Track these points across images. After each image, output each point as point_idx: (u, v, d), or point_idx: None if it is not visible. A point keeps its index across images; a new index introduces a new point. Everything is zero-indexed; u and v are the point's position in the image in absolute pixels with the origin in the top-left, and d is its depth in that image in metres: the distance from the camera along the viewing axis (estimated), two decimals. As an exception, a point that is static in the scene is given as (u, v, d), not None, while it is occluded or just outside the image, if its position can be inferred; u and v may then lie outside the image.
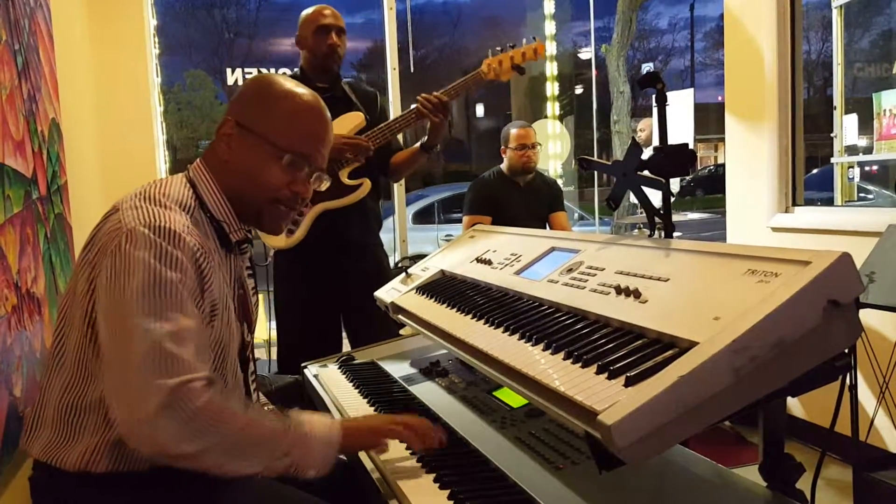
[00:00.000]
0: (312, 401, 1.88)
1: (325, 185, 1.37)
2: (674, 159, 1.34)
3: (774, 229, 3.36)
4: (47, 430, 1.24)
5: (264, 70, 5.35)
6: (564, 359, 1.07)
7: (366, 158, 2.57)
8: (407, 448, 1.34)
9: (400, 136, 2.77)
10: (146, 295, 1.12)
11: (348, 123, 2.60)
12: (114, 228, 1.19)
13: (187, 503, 1.25)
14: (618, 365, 0.97)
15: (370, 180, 2.62)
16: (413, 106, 2.56)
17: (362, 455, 1.33)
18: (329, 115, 1.37)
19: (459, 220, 3.82)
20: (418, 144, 2.71)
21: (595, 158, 1.58)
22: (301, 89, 1.33)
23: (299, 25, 2.67)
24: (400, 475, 1.25)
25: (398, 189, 4.44)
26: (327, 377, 1.92)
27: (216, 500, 1.27)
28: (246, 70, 5.48)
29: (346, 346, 2.80)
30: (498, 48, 2.61)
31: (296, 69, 2.79)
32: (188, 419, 1.07)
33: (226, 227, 1.31)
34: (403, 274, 2.01)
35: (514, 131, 3.64)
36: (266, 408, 1.41)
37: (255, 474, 1.18)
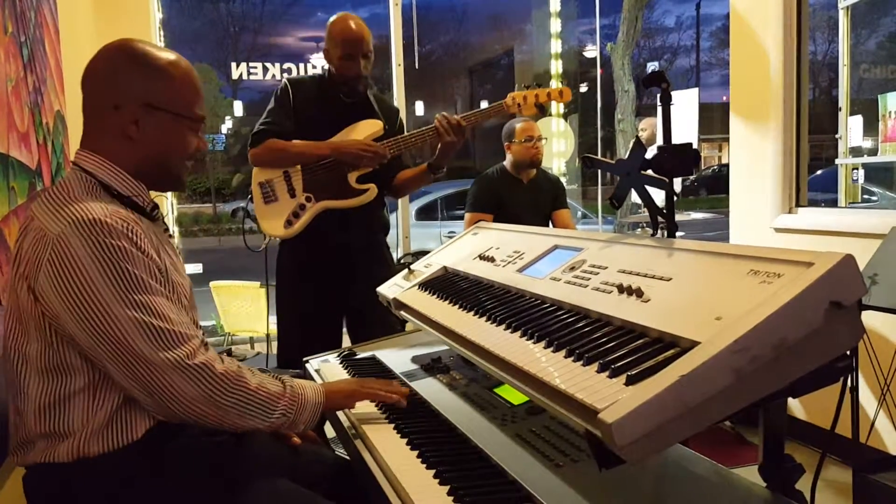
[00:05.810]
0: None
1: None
2: (677, 158, 1.34)
3: (778, 230, 3.36)
4: (36, 441, 1.26)
5: (269, 64, 5.30)
6: (566, 357, 1.07)
7: (373, 168, 2.60)
8: (408, 444, 1.36)
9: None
10: (108, 287, 1.18)
11: (366, 129, 2.61)
12: (39, 238, 1.22)
13: (182, 472, 1.29)
14: (619, 363, 0.97)
15: (377, 188, 2.64)
16: (432, 124, 2.60)
17: (367, 459, 1.35)
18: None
19: (462, 217, 3.81)
20: (425, 164, 2.73)
21: (599, 157, 1.58)
22: (172, 55, 1.38)
23: (327, 37, 2.61)
24: (400, 472, 1.25)
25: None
26: (329, 371, 1.92)
27: (214, 478, 1.31)
28: (251, 64, 5.43)
29: (346, 343, 2.80)
30: (525, 84, 2.71)
31: (317, 71, 2.79)
32: (211, 386, 1.23)
33: (137, 201, 1.36)
34: (406, 270, 2.02)
35: (518, 125, 3.62)
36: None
37: (258, 430, 1.34)
